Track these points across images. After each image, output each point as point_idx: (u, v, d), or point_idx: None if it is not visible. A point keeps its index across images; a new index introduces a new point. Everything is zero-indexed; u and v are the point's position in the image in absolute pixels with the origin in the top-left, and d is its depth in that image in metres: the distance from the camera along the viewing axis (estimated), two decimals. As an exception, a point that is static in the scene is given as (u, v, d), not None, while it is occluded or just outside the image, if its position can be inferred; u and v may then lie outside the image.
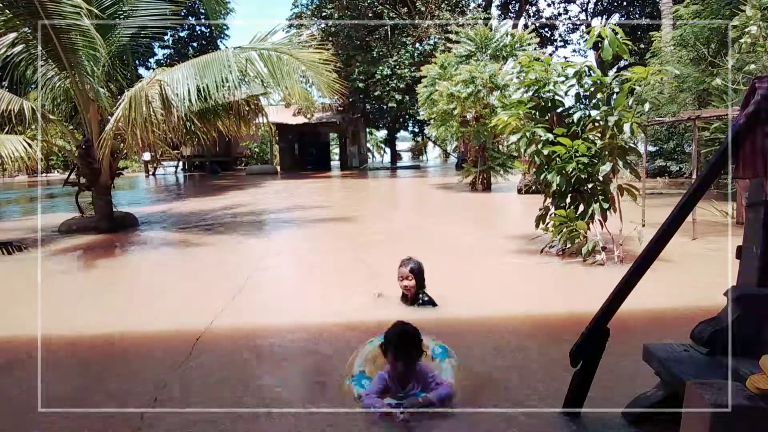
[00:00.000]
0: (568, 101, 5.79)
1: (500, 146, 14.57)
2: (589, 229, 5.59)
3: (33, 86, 9.11)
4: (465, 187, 15.21)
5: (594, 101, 5.59)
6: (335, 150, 39.87)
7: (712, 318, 2.33)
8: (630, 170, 5.72)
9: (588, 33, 5.66)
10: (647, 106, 6.02)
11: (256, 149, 35.88)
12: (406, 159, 50.28)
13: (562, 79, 5.75)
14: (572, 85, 5.70)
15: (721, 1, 11.45)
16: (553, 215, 5.78)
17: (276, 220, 10.15)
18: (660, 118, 10.56)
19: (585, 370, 2.34)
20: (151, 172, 30.55)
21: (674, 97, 13.14)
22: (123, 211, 9.80)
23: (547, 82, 5.70)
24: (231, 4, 29.73)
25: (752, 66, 8.45)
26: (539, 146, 5.61)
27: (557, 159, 5.48)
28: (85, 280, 5.68)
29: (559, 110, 5.77)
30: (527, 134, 5.66)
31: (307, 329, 3.72)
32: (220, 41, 34.72)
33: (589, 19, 34.46)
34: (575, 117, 5.52)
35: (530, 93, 5.86)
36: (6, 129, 8.08)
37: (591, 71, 5.62)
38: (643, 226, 6.47)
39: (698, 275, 4.99)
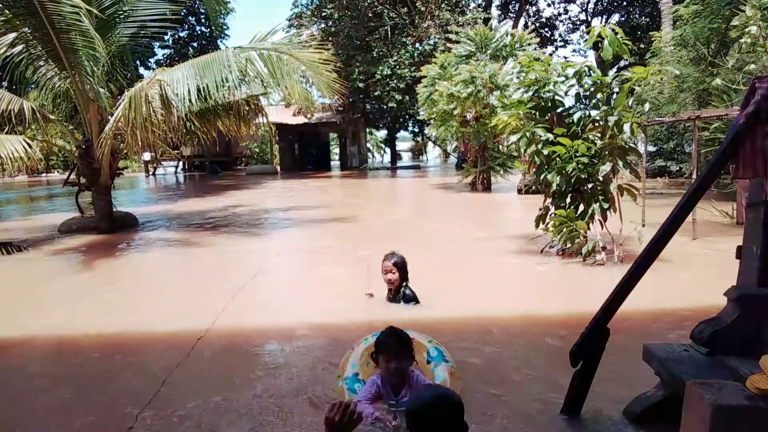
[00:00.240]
0: (568, 101, 5.79)
1: (500, 146, 14.57)
2: (589, 229, 5.59)
3: (33, 86, 9.10)
4: (465, 187, 15.20)
5: (594, 101, 5.59)
6: (335, 150, 39.87)
7: (712, 318, 2.33)
8: (630, 170, 5.72)
9: (588, 33, 5.66)
10: (647, 106, 6.02)
11: (256, 149, 35.88)
12: (406, 159, 50.27)
13: (562, 79, 5.75)
14: (572, 85, 5.71)
15: (721, 1, 11.45)
16: (553, 215, 5.78)
17: (276, 220, 10.15)
18: (660, 118, 10.56)
19: (585, 370, 2.34)
20: (151, 172, 30.56)
21: (674, 97, 13.14)
22: (123, 211, 9.79)
23: (547, 82, 5.70)
24: (231, 4, 29.85)
25: (752, 66, 8.46)
26: (539, 146, 5.61)
27: (557, 159, 5.48)
28: (85, 280, 5.68)
29: (559, 110, 5.77)
30: (527, 134, 5.66)
31: (307, 329, 3.72)
32: (220, 41, 34.80)
33: (589, 19, 34.49)
34: (575, 117, 5.52)
35: (530, 93, 5.86)
36: (6, 129, 8.08)
37: (591, 71, 5.62)
38: (643, 226, 6.47)
39: (698, 275, 4.99)
